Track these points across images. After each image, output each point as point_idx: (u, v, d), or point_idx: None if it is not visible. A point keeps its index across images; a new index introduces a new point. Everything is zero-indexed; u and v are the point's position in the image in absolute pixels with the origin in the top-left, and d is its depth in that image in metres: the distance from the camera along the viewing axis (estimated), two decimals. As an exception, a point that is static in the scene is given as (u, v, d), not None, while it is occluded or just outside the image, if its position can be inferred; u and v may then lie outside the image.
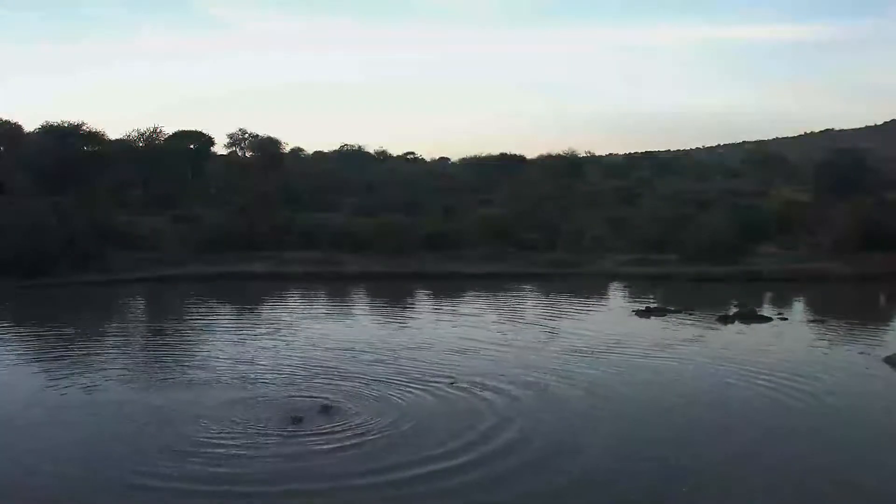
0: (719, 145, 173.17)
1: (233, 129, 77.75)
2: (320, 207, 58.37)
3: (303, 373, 20.01)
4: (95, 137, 64.64)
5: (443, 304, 33.95)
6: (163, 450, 14.06)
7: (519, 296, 36.09)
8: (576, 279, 39.96)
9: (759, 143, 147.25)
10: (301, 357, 21.91)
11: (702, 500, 12.26)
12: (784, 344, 24.39)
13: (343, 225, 49.87)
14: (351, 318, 30.34)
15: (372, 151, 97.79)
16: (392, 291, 37.33)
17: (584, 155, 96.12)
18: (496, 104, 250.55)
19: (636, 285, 38.51)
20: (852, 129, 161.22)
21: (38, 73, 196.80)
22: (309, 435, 14.96)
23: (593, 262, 43.85)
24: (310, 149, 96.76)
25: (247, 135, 77.80)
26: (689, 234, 44.57)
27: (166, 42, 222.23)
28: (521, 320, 29.17)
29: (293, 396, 17.67)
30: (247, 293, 36.35)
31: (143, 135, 66.84)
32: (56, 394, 18.29)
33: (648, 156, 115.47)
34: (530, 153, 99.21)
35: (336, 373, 19.97)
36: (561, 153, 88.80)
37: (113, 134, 67.16)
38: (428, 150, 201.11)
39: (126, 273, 39.46)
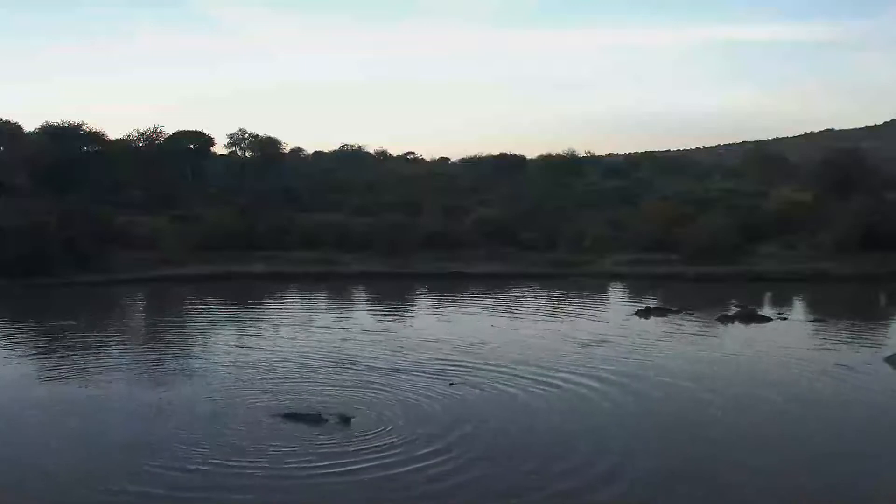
0: (719, 145, 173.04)
1: (233, 129, 77.69)
2: (320, 207, 58.35)
3: (308, 372, 20.03)
4: (95, 137, 64.66)
5: (444, 303, 33.93)
6: (162, 453, 13.99)
7: (519, 296, 36.05)
8: (576, 279, 39.93)
9: (759, 143, 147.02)
10: (303, 357, 21.88)
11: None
12: (784, 343, 24.37)
13: (343, 225, 49.85)
14: (352, 317, 30.24)
15: (372, 151, 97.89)
16: (392, 291, 37.30)
17: (584, 155, 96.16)
18: (496, 104, 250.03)
19: (636, 285, 38.48)
20: (852, 129, 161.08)
21: (38, 73, 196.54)
22: (335, 447, 14.52)
23: (593, 262, 43.82)
24: (310, 149, 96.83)
25: (247, 135, 77.69)
26: (689, 234, 44.52)
27: (166, 42, 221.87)
28: (523, 320, 29.14)
29: (300, 398, 17.62)
30: (247, 293, 36.32)
31: (143, 135, 66.91)
32: (56, 394, 18.29)
33: (648, 156, 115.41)
34: (530, 153, 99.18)
35: (343, 373, 19.98)
36: (561, 153, 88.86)
37: (113, 134, 67.28)
38: (428, 150, 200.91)
39: (126, 273, 39.42)
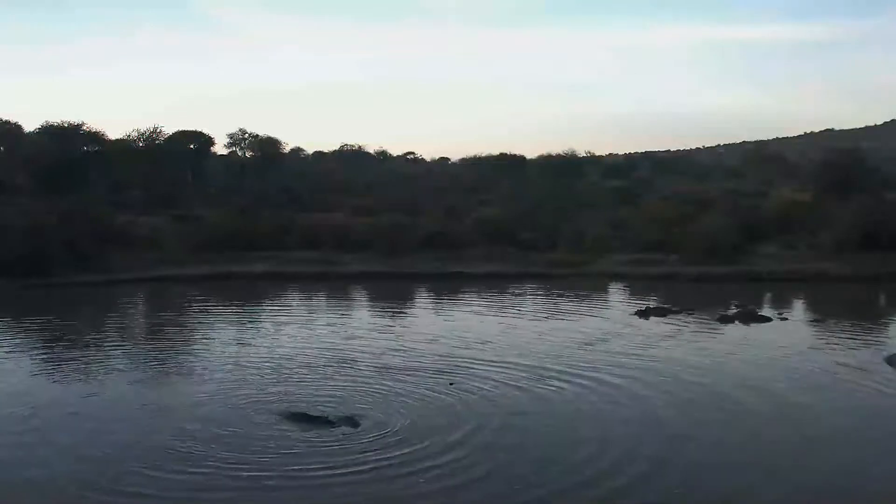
0: (719, 145, 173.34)
1: (233, 129, 77.77)
2: (320, 207, 58.36)
3: (310, 372, 20.04)
4: (95, 137, 64.76)
5: (444, 303, 33.94)
6: (161, 454, 13.97)
7: (520, 295, 36.04)
8: (576, 279, 39.90)
9: (759, 143, 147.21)
10: (305, 356, 21.88)
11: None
12: (784, 343, 24.36)
13: (343, 225, 49.85)
14: (353, 317, 30.25)
15: (372, 151, 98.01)
16: (392, 291, 37.30)
17: (584, 155, 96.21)
18: (496, 104, 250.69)
19: (636, 285, 38.47)
20: (852, 129, 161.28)
21: (38, 73, 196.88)
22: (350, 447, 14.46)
23: (593, 262, 43.81)
24: (310, 149, 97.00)
25: (247, 135, 77.76)
26: (690, 234, 44.51)
27: (166, 42, 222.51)
28: (524, 319, 29.12)
29: (303, 398, 17.59)
30: (247, 293, 36.29)
31: (143, 135, 66.99)
32: (54, 393, 18.29)
33: (648, 156, 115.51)
34: (530, 153, 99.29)
35: (346, 372, 19.99)
36: (561, 153, 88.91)
37: (113, 134, 67.42)
38: (428, 150, 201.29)
39: (126, 273, 39.42)
